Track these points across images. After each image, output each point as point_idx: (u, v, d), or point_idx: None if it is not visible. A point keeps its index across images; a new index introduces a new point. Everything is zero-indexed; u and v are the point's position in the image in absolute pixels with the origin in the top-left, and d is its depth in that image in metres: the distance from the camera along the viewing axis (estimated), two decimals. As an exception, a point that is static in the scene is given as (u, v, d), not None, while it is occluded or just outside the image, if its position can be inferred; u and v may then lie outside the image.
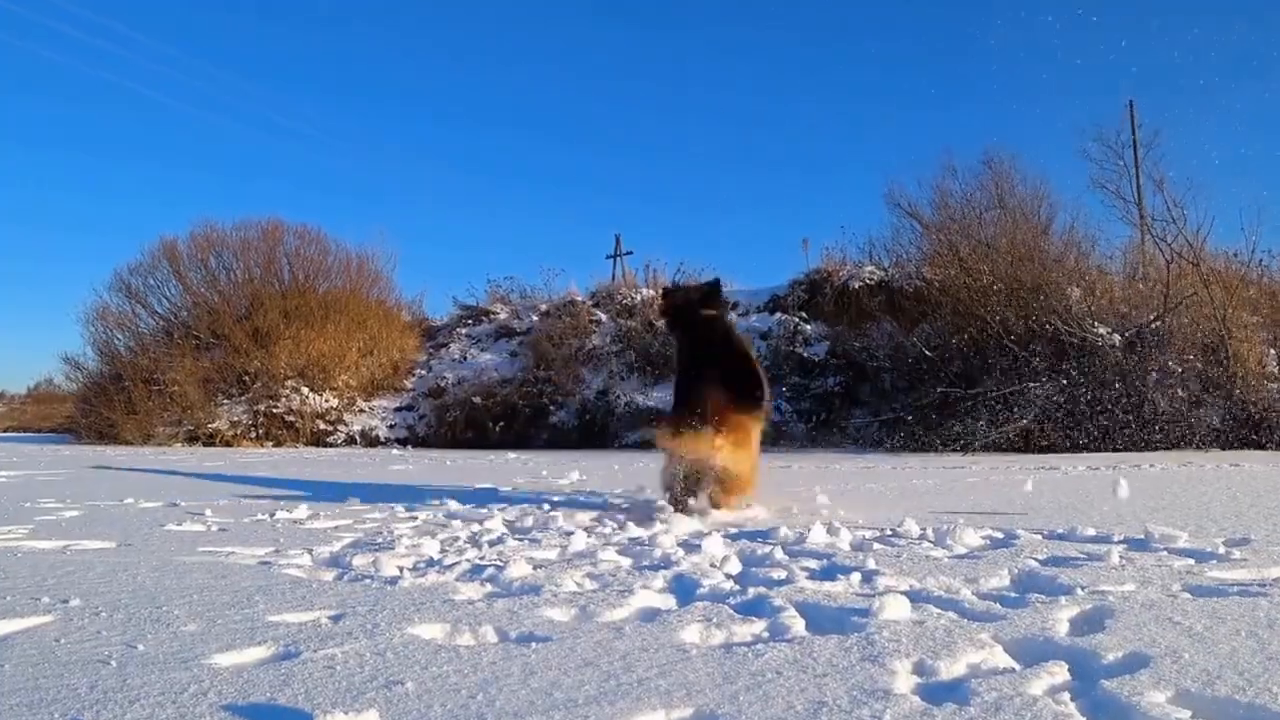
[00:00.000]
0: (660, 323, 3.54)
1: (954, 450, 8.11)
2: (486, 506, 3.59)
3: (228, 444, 13.52)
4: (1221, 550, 2.17)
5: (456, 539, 2.64)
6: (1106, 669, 1.23)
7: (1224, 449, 7.72)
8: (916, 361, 9.69)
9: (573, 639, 1.42)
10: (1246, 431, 7.94)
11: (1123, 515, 3.01)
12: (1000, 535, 2.54)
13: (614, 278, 16.25)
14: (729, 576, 1.98)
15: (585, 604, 1.68)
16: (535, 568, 2.09)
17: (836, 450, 9.33)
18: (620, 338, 13.40)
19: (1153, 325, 8.55)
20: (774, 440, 10.77)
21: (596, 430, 12.08)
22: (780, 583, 1.87)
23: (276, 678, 1.22)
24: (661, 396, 11.53)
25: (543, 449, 11.45)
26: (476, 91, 52.90)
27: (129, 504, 3.85)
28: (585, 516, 3.17)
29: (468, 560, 2.20)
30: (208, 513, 3.40)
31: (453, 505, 3.65)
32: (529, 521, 3.03)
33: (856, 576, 1.89)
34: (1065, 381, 8.37)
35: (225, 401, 14.21)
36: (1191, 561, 2.05)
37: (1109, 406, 8.15)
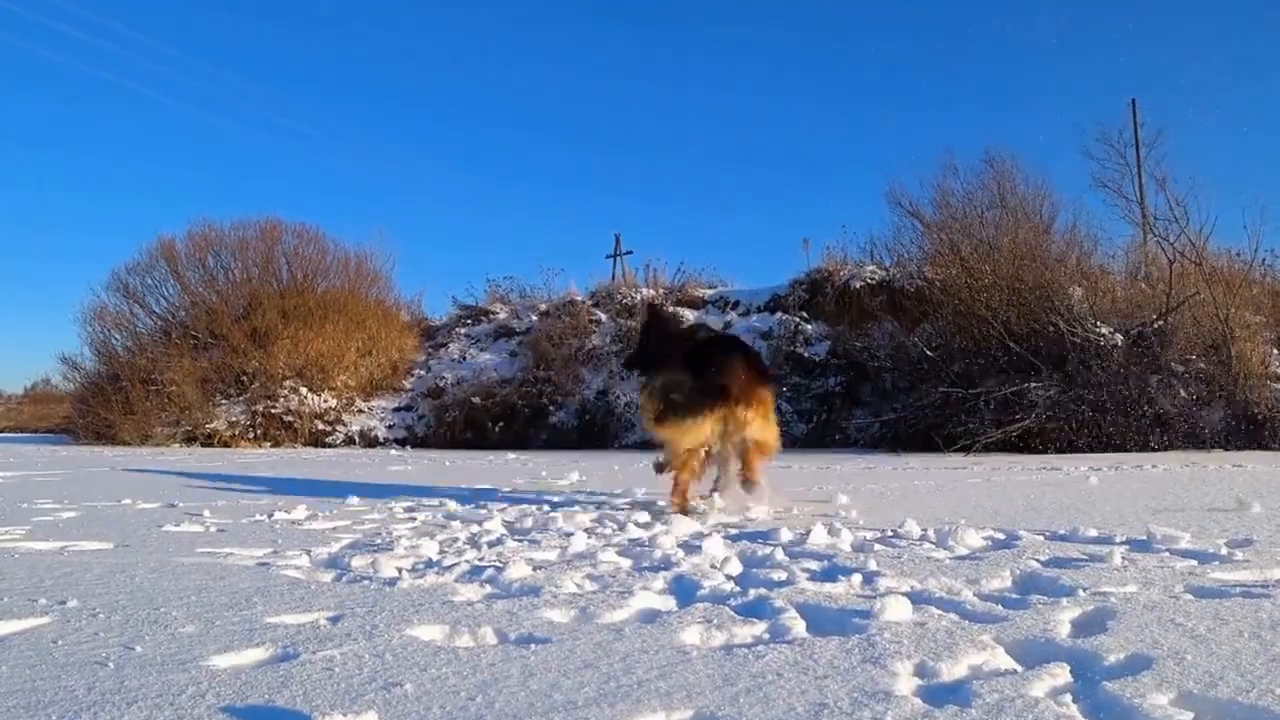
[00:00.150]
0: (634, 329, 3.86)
1: (955, 451, 8.10)
2: (486, 507, 3.58)
3: (226, 444, 13.50)
4: (1224, 551, 2.17)
5: (455, 540, 2.63)
6: (1108, 670, 1.23)
7: (1227, 449, 7.71)
8: (918, 361, 9.67)
9: (572, 640, 1.41)
10: (1250, 432, 7.92)
11: (1125, 516, 3.01)
12: (1002, 536, 2.54)
13: (614, 277, 16.25)
14: (729, 578, 1.98)
15: (585, 605, 1.67)
16: (535, 569, 2.08)
17: (837, 451, 9.32)
18: (620, 337, 13.39)
19: (1155, 325, 8.53)
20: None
21: (596, 431, 12.08)
22: (781, 584, 1.87)
23: (275, 679, 1.21)
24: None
25: (542, 449, 11.44)
26: (476, 91, 52.91)
27: (126, 505, 3.84)
28: (585, 517, 3.17)
29: (467, 561, 2.20)
30: (206, 514, 3.39)
31: (452, 506, 3.65)
32: (528, 522, 3.03)
33: (857, 578, 1.89)
34: (1067, 382, 8.35)
35: (223, 402, 14.19)
36: (1194, 563, 2.05)
37: (1111, 407, 8.14)
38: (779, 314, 12.95)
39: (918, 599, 1.67)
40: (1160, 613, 1.53)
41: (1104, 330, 8.53)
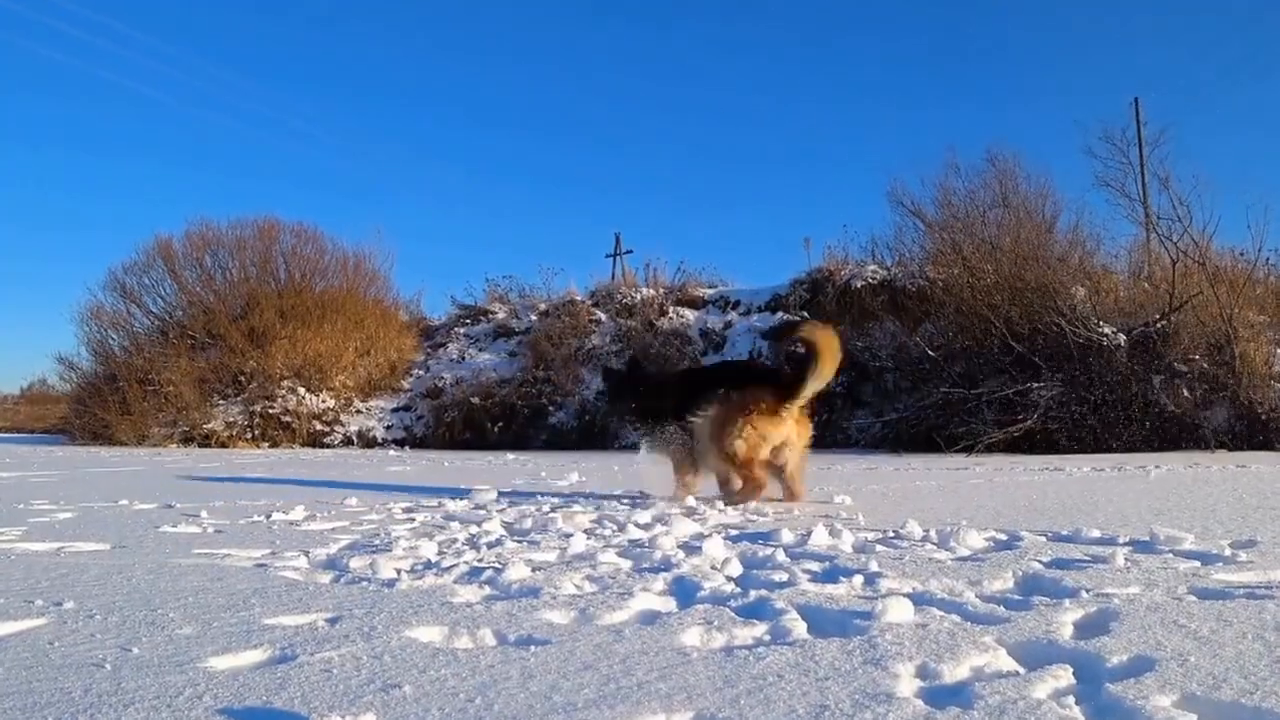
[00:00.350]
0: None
1: (958, 451, 8.10)
2: (485, 508, 3.58)
3: (223, 445, 13.49)
4: (1228, 552, 2.16)
5: (454, 541, 2.62)
6: (1111, 672, 1.22)
7: (1230, 450, 7.70)
8: (919, 361, 9.67)
9: (572, 642, 1.40)
10: (1253, 432, 7.92)
11: (1127, 517, 3.01)
12: (1004, 537, 2.53)
13: (614, 277, 16.26)
14: (730, 579, 1.97)
15: (584, 606, 1.66)
16: (534, 570, 2.08)
17: (839, 451, 9.32)
18: (620, 337, 13.40)
19: (1158, 325, 8.53)
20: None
21: (596, 431, 12.08)
22: (782, 585, 1.86)
23: (273, 681, 1.21)
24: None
25: (541, 450, 11.44)
26: (476, 89, 52.91)
27: (123, 505, 3.83)
28: (584, 518, 3.16)
29: (466, 562, 2.19)
30: (203, 514, 3.38)
31: (451, 507, 3.64)
32: (528, 523, 3.02)
33: (859, 579, 1.88)
34: (1070, 382, 8.35)
35: (221, 402, 14.17)
36: (1197, 564, 2.04)
37: (1114, 407, 8.14)
38: (780, 314, 12.96)
39: (919, 600, 1.67)
40: (1163, 614, 1.52)
41: (1107, 330, 8.53)
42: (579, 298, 14.84)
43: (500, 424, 12.80)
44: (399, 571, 2.08)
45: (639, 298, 14.15)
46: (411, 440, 13.41)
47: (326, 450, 12.60)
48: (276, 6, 51.11)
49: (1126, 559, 2.08)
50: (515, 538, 2.69)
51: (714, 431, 3.63)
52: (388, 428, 13.84)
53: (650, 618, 1.60)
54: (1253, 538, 2.38)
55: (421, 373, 14.93)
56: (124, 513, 3.54)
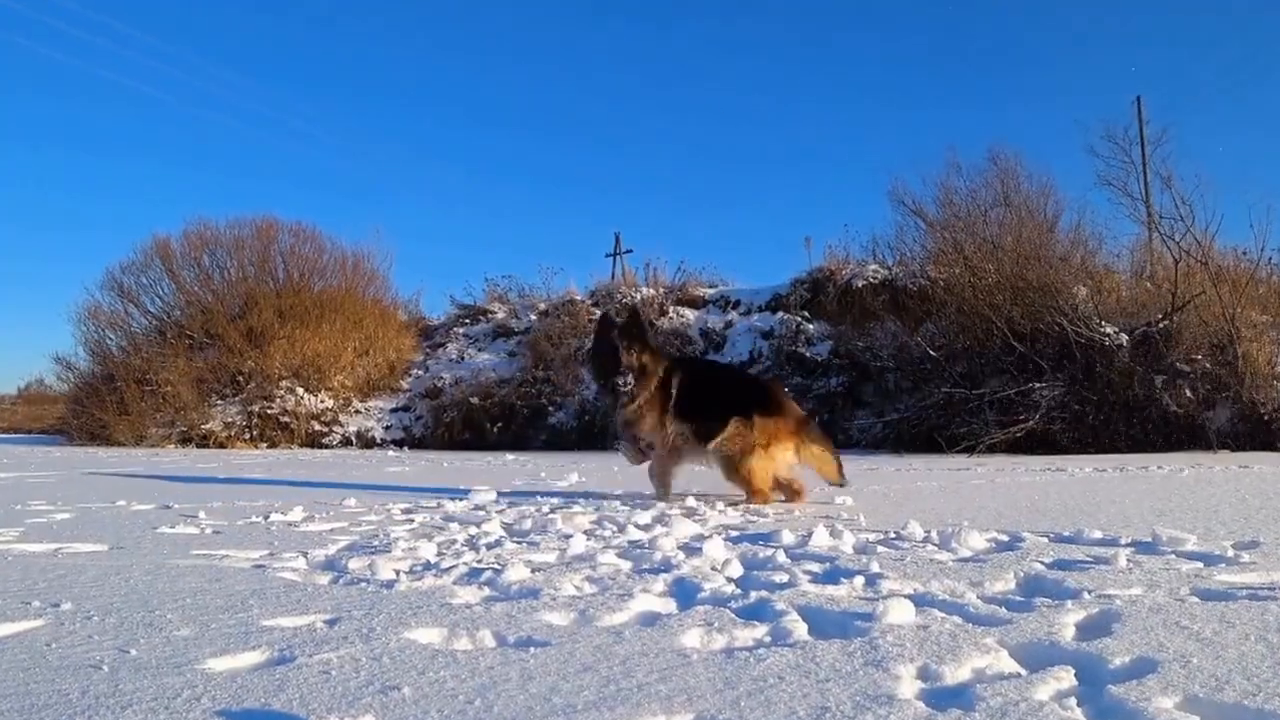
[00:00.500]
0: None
1: (959, 451, 8.10)
2: (484, 508, 3.57)
3: (221, 445, 13.47)
4: (1230, 553, 2.16)
5: (454, 542, 2.62)
6: (1113, 674, 1.22)
7: (1233, 450, 7.69)
8: (921, 361, 9.66)
9: (571, 643, 1.40)
10: (1256, 432, 7.90)
11: (1130, 518, 3.00)
12: (1006, 538, 2.53)
13: (614, 276, 16.26)
14: (730, 580, 1.96)
15: (584, 608, 1.66)
16: (534, 571, 2.07)
17: (840, 451, 9.32)
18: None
19: (1160, 325, 8.51)
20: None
21: (596, 431, 12.06)
22: (782, 586, 1.86)
23: (271, 683, 1.20)
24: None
25: (541, 450, 11.43)
26: (475, 89, 52.92)
27: (121, 506, 3.82)
28: (584, 519, 3.16)
29: (465, 563, 2.19)
30: (201, 515, 3.37)
31: (450, 507, 3.63)
32: (527, 524, 3.02)
33: (860, 580, 1.88)
34: (1071, 382, 8.35)
35: (219, 402, 14.15)
36: (1200, 565, 2.04)
37: (1116, 407, 8.13)
38: (780, 313, 12.95)
39: (921, 601, 1.66)
40: (1166, 615, 1.52)
41: (1109, 330, 8.52)
42: (579, 297, 14.83)
43: (499, 424, 12.79)
44: (398, 573, 2.07)
45: (639, 297, 14.14)
46: (410, 441, 13.40)
47: (325, 451, 12.58)
48: (276, 6, 51.13)
49: (1129, 560, 2.08)
50: (515, 539, 2.68)
51: (732, 450, 3.70)
52: (386, 428, 13.83)
53: (650, 619, 1.60)
54: (1255, 539, 2.38)
55: (420, 373, 14.92)
56: (121, 513, 3.53)
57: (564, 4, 52.93)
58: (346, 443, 13.57)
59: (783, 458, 3.70)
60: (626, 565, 2.18)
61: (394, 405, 14.34)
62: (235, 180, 43.73)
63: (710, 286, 14.69)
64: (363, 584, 1.95)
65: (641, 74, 51.59)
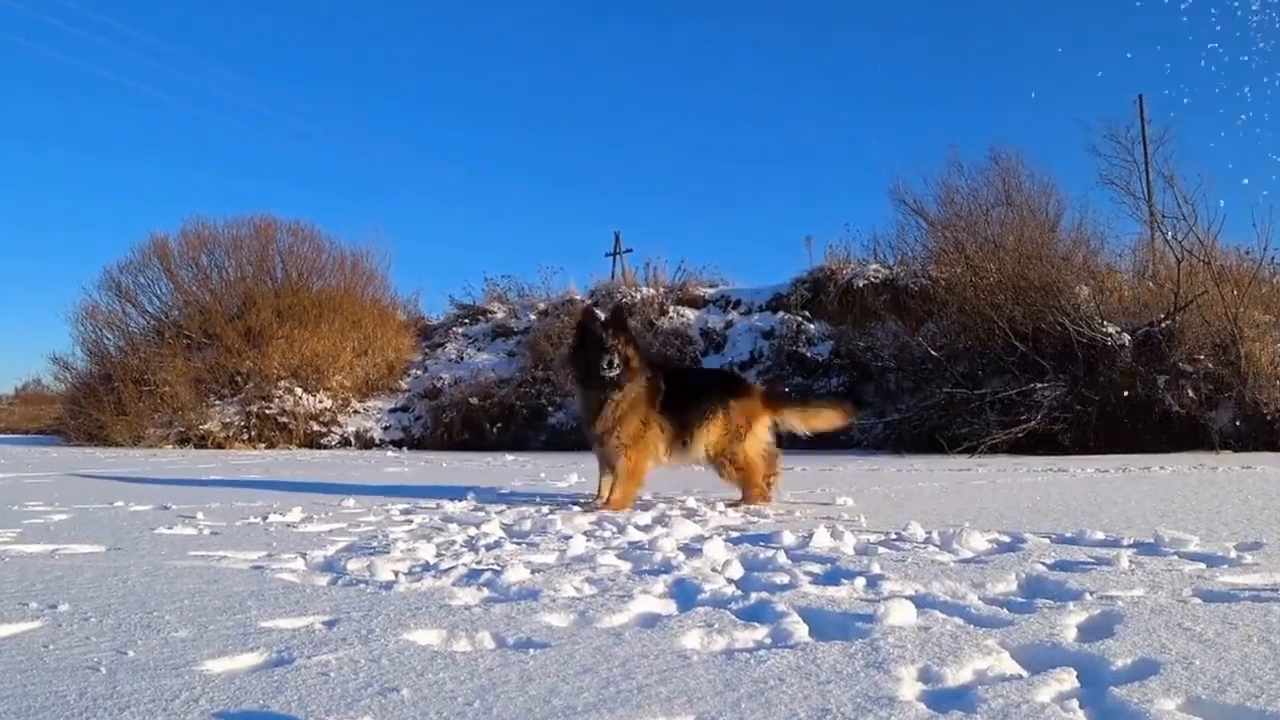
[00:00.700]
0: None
1: (960, 452, 8.08)
2: (483, 509, 3.56)
3: (219, 446, 13.44)
4: (1233, 555, 2.16)
5: (453, 543, 2.61)
6: (1115, 676, 1.22)
7: (1236, 451, 7.67)
8: (922, 361, 9.62)
9: (571, 645, 1.40)
10: (1259, 433, 7.87)
11: (1132, 519, 3.00)
12: (1007, 539, 2.52)
13: (613, 276, 16.23)
14: (731, 581, 1.96)
15: (584, 609, 1.66)
16: (533, 572, 2.07)
17: (841, 452, 9.30)
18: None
19: (1163, 325, 8.48)
20: (776, 442, 10.76)
21: (594, 432, 12.05)
22: (783, 587, 1.85)
23: (269, 685, 1.20)
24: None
25: (541, 451, 11.42)
26: (474, 88, 52.78)
27: (119, 507, 3.81)
28: (584, 520, 3.15)
29: (464, 564, 2.18)
30: (199, 516, 3.36)
31: (449, 508, 3.63)
32: (527, 525, 3.01)
33: (861, 581, 1.88)
34: (1074, 382, 8.33)
35: (217, 402, 14.13)
36: (1202, 566, 2.04)
37: (1118, 408, 8.11)
38: (781, 313, 12.95)
39: (922, 603, 1.66)
40: (1168, 617, 1.52)
41: (1111, 330, 8.50)
42: (579, 297, 14.82)
43: (499, 425, 12.77)
44: (397, 574, 2.07)
45: (639, 297, 14.14)
46: (409, 441, 13.39)
47: (324, 451, 12.57)
48: (276, 6, 51.03)
49: (1131, 561, 2.08)
50: (514, 539, 2.68)
51: (721, 445, 3.71)
52: (385, 428, 13.81)
53: (650, 620, 1.59)
54: (1258, 540, 2.38)
55: (419, 373, 14.90)
56: (119, 514, 3.53)
57: (564, 4, 52.89)
58: (345, 443, 13.55)
59: (764, 434, 3.80)
60: (626, 566, 2.17)
61: (393, 405, 14.32)
62: (235, 180, 43.63)
63: (710, 286, 14.69)
64: (361, 585, 1.95)
65: (641, 72, 51.53)
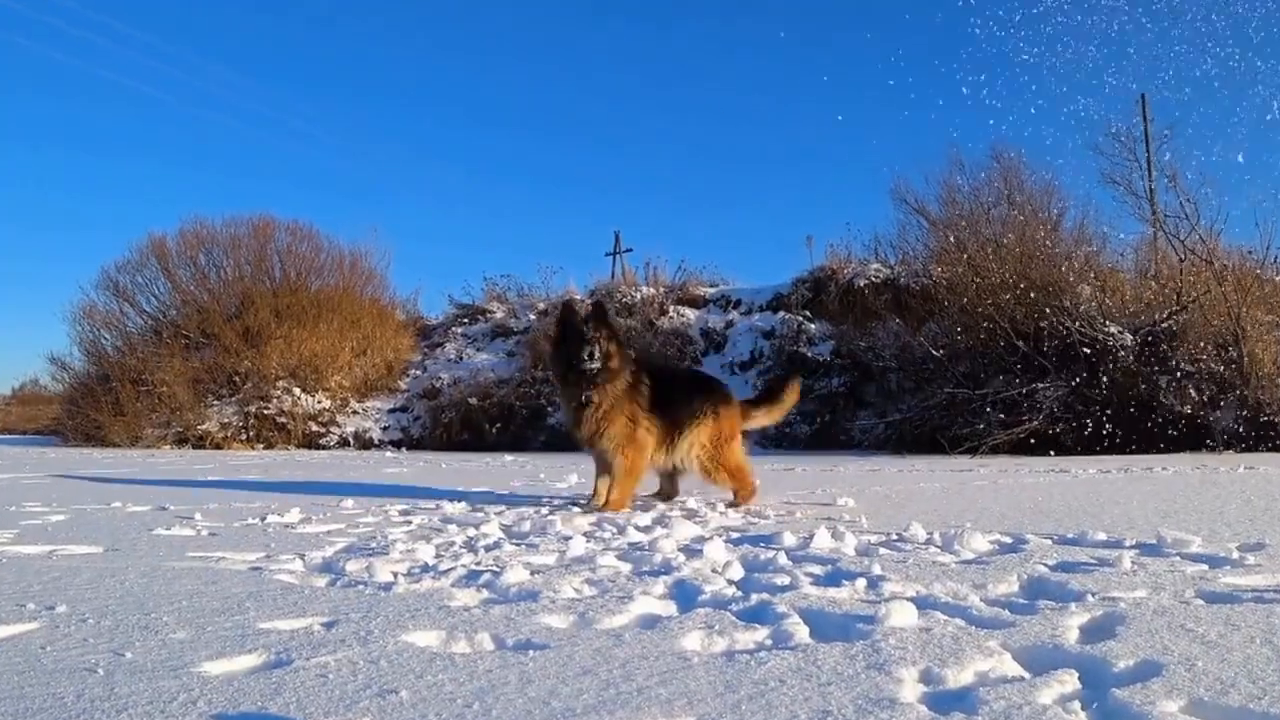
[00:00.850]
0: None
1: (962, 452, 8.08)
2: (483, 510, 3.56)
3: (218, 446, 13.42)
4: (1236, 555, 2.16)
5: (452, 544, 2.61)
6: (1118, 677, 1.21)
7: (1239, 451, 7.66)
8: (923, 361, 9.61)
9: (571, 646, 1.39)
10: (1262, 433, 7.86)
11: (1134, 519, 3.00)
12: (1009, 540, 2.52)
13: (613, 275, 16.22)
14: (731, 582, 1.96)
15: (584, 610, 1.65)
16: (533, 573, 2.06)
17: (842, 452, 9.30)
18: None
19: (1165, 324, 8.48)
20: (778, 442, 10.76)
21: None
22: (784, 589, 1.85)
23: (267, 686, 1.19)
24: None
25: (540, 451, 11.41)
26: (473, 87, 52.78)
27: (116, 508, 3.80)
28: (584, 521, 3.15)
29: (463, 566, 2.17)
30: (197, 517, 3.36)
31: (448, 509, 3.62)
32: (526, 526, 3.00)
33: (862, 582, 1.87)
34: (1075, 382, 8.32)
35: (215, 402, 14.11)
36: (1205, 567, 2.04)
37: (1120, 408, 8.10)
38: (782, 313, 12.95)
39: (923, 604, 1.65)
40: (1170, 618, 1.52)
41: (1113, 329, 8.49)
42: (578, 296, 14.81)
43: (498, 425, 12.76)
44: (396, 575, 2.06)
45: (639, 296, 14.13)
46: (408, 441, 13.37)
47: (322, 452, 12.56)
48: (276, 6, 51.01)
49: (1133, 562, 2.07)
50: (513, 540, 2.67)
51: (705, 448, 3.71)
52: (384, 429, 13.80)
53: (650, 622, 1.59)
54: (1261, 541, 2.37)
55: (418, 373, 14.89)
56: (116, 515, 3.52)
57: (564, 4, 52.89)
58: (344, 444, 13.54)
59: (740, 439, 3.90)
60: (626, 567, 2.17)
61: (392, 406, 14.31)
62: (235, 180, 43.58)
63: (711, 286, 14.69)
64: (360, 586, 1.94)
65: (641, 71, 51.50)
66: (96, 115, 45.21)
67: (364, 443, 13.45)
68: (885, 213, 22.33)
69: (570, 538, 2.60)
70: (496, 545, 2.56)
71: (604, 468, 3.65)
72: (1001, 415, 8.35)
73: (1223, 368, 8.13)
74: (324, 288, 15.65)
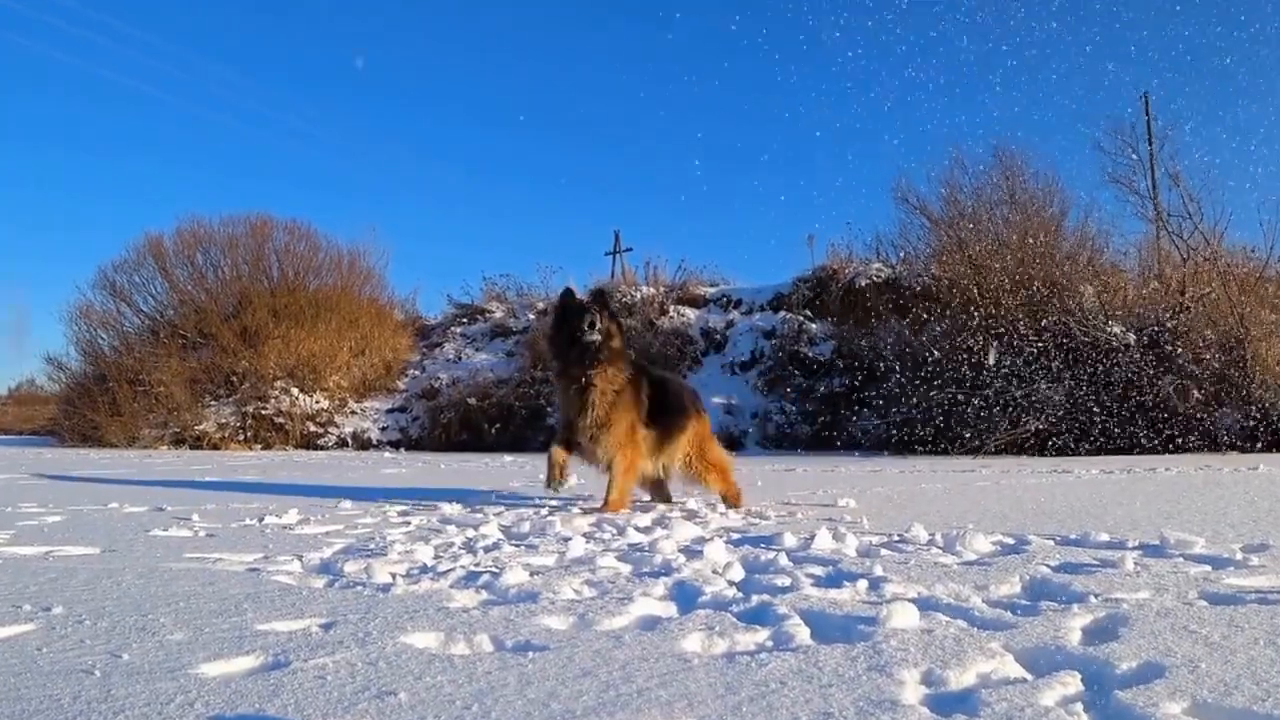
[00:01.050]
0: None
1: (964, 453, 8.08)
2: (482, 511, 3.55)
3: (215, 446, 13.41)
4: (1239, 556, 2.15)
5: (451, 545, 2.60)
6: (1120, 679, 1.21)
7: (1242, 451, 7.67)
8: (925, 362, 9.64)
9: (570, 648, 1.38)
10: (1265, 433, 7.86)
11: (1137, 520, 3.00)
12: (1011, 541, 2.52)
13: (613, 275, 16.20)
14: (732, 583, 1.95)
15: (583, 612, 1.64)
16: (532, 574, 2.05)
17: (843, 453, 9.31)
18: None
19: (1168, 324, 8.49)
20: (778, 443, 10.77)
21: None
22: (784, 590, 1.84)
23: (265, 688, 1.18)
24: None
25: (540, 452, 11.38)
26: (473, 86, 52.68)
27: (113, 508, 3.79)
28: (583, 521, 3.14)
29: (462, 567, 2.17)
30: (195, 517, 3.35)
31: (447, 510, 3.61)
32: (525, 527, 3.00)
33: (863, 584, 1.87)
34: (1078, 382, 8.32)
35: (212, 403, 14.09)
36: (1208, 568, 2.03)
37: (1123, 408, 8.11)
38: (782, 312, 12.95)
39: (925, 605, 1.65)
40: (1173, 620, 1.51)
41: (1116, 329, 8.49)
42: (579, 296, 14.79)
43: (498, 425, 12.75)
44: (394, 576, 2.05)
45: (639, 296, 14.13)
46: (407, 442, 13.36)
47: (320, 452, 12.54)
48: (276, 5, 50.92)
49: (1136, 563, 2.07)
50: (513, 541, 2.66)
51: (691, 449, 3.73)
52: (383, 429, 13.78)
53: (650, 623, 1.58)
54: (1265, 541, 2.37)
55: (417, 373, 14.88)
56: (113, 516, 3.50)
57: (564, 4, 52.85)
58: (342, 444, 13.52)
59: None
60: (626, 568, 2.16)
61: (390, 406, 14.29)
62: (234, 180, 43.49)
63: (711, 285, 14.69)
64: (359, 587, 1.93)
65: (641, 70, 51.42)
66: (95, 115, 45.13)
67: (362, 443, 13.43)
68: (887, 212, 22.32)
69: (570, 539, 2.59)
70: (496, 546, 2.55)
71: (593, 457, 3.55)
72: (1004, 416, 8.35)
73: (1226, 368, 8.13)
74: (322, 287, 15.64)
